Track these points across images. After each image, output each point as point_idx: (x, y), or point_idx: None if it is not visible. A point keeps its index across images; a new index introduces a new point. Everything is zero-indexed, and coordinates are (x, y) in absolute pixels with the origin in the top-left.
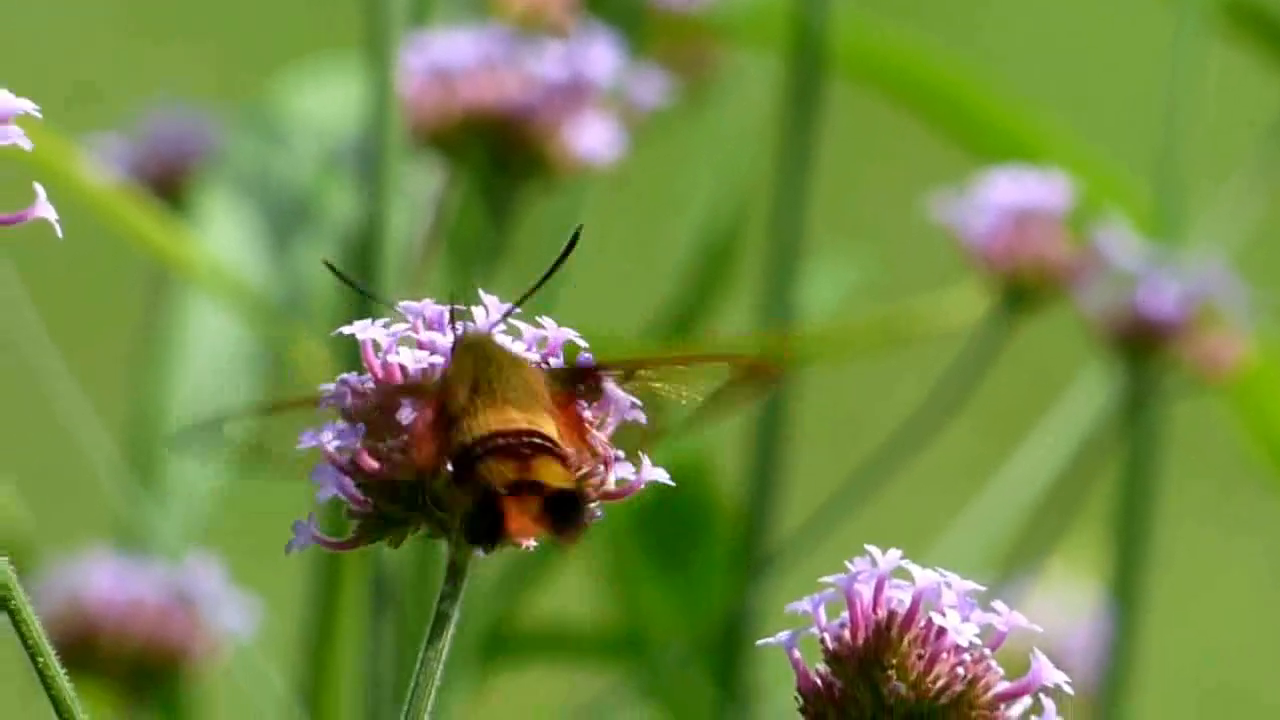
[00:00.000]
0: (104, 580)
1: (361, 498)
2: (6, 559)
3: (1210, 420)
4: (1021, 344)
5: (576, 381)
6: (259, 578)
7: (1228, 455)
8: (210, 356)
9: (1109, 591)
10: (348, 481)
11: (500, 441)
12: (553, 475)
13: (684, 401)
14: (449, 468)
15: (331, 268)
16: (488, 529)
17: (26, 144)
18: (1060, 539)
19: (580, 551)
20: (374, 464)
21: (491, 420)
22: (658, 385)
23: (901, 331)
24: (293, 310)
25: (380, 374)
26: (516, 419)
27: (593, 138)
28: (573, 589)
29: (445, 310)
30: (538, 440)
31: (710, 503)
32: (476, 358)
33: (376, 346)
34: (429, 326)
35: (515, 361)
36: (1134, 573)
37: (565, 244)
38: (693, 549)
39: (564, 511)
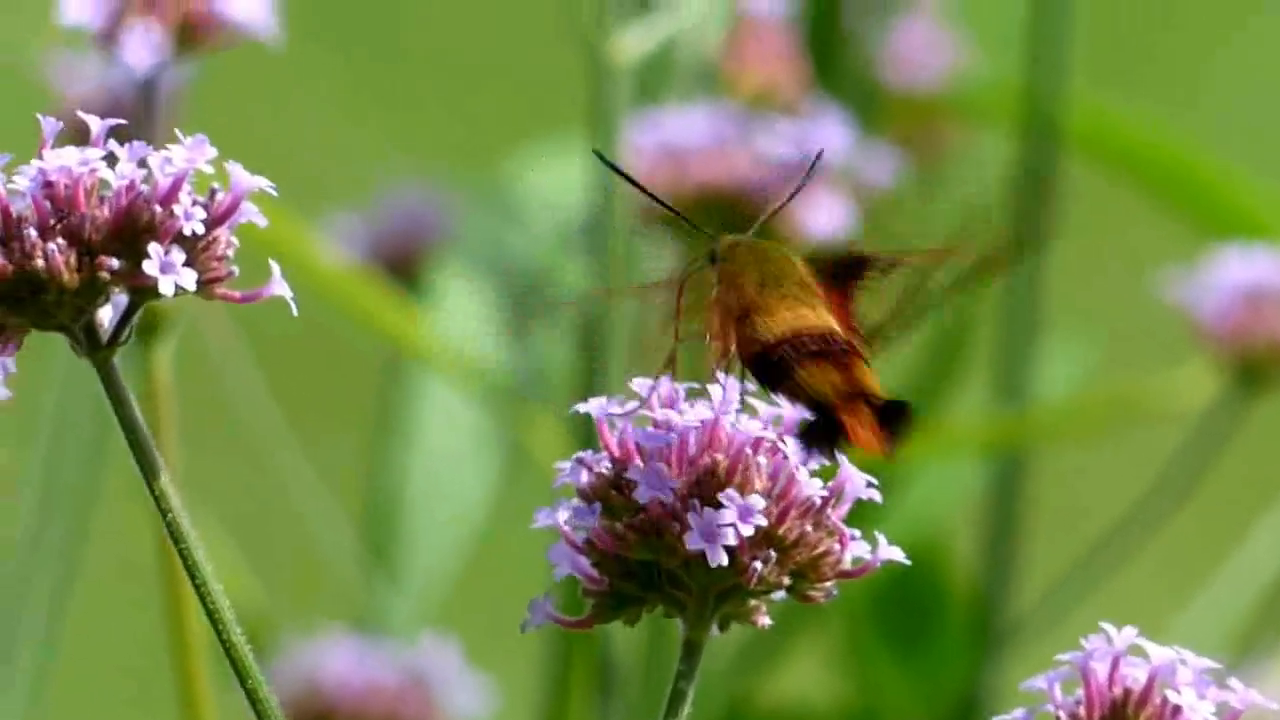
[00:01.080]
0: (341, 662)
1: (597, 576)
2: (245, 638)
3: None
4: (1254, 424)
5: (841, 274)
6: (494, 658)
7: None
8: (446, 437)
9: None
10: (583, 560)
11: (812, 346)
12: (878, 386)
13: (937, 287)
14: (750, 365)
15: (601, 157)
16: (827, 440)
17: (261, 221)
18: None
19: (817, 631)
20: (610, 542)
21: (789, 318)
22: (914, 275)
23: (1133, 411)
24: (529, 389)
25: (617, 452)
26: (811, 319)
27: (825, 216)
28: (809, 669)
29: (681, 388)
30: (844, 345)
31: (945, 583)
32: (753, 252)
33: (612, 424)
34: (664, 404)
35: (789, 257)
36: None
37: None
38: (928, 629)
39: (899, 422)
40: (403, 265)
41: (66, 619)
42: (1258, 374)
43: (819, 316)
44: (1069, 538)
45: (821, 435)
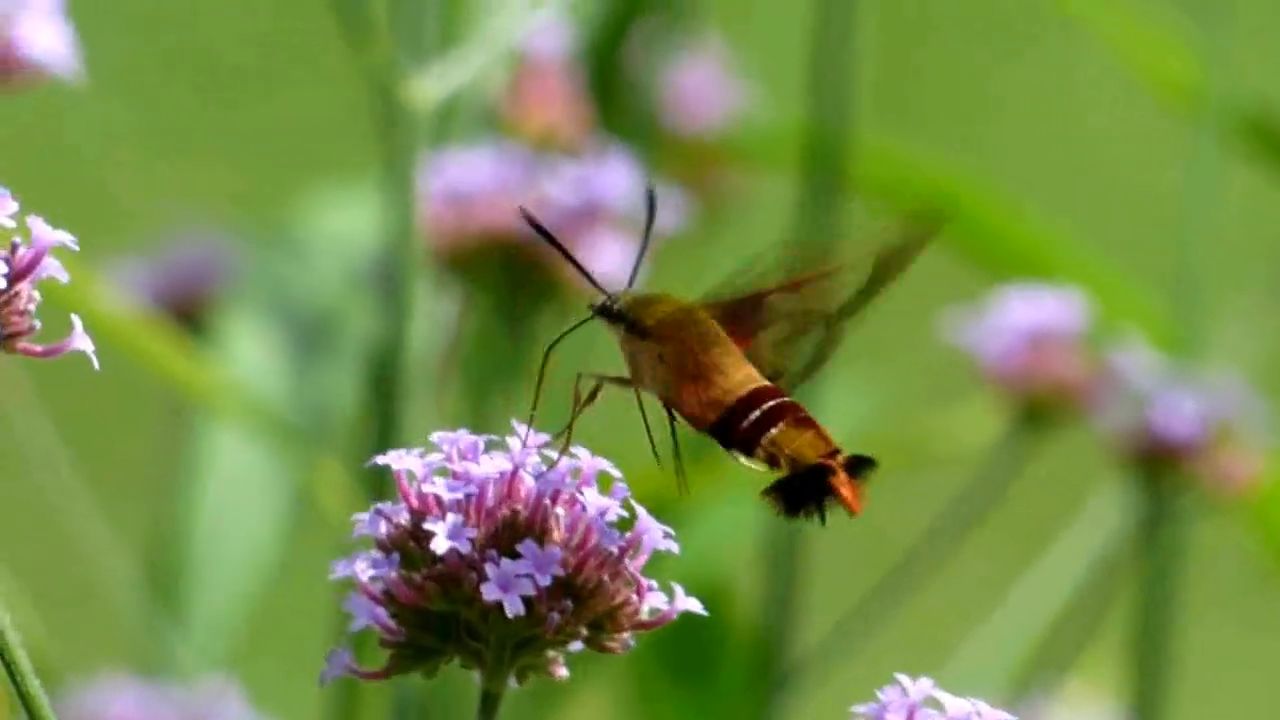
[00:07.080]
0: (125, 705)
1: (395, 627)
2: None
3: (1227, 536)
4: (1038, 463)
5: (742, 312)
6: (283, 705)
7: (1244, 570)
8: (231, 480)
9: (1128, 709)
10: (381, 611)
11: (773, 404)
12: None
13: (846, 290)
14: (712, 429)
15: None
16: (818, 501)
17: (64, 277)
18: (1079, 656)
19: (603, 672)
20: (408, 593)
21: (742, 379)
22: (816, 289)
23: (916, 452)
24: (315, 433)
25: (415, 503)
26: (757, 378)
27: (608, 260)
28: (592, 710)
29: (479, 439)
30: (796, 405)
31: (728, 623)
32: (681, 311)
33: (411, 476)
34: (463, 455)
35: (705, 313)
36: (1153, 690)
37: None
38: (713, 668)
39: (864, 474)
40: (188, 310)
41: None
42: (1040, 415)
43: (758, 378)
44: (862, 575)
45: (811, 496)
